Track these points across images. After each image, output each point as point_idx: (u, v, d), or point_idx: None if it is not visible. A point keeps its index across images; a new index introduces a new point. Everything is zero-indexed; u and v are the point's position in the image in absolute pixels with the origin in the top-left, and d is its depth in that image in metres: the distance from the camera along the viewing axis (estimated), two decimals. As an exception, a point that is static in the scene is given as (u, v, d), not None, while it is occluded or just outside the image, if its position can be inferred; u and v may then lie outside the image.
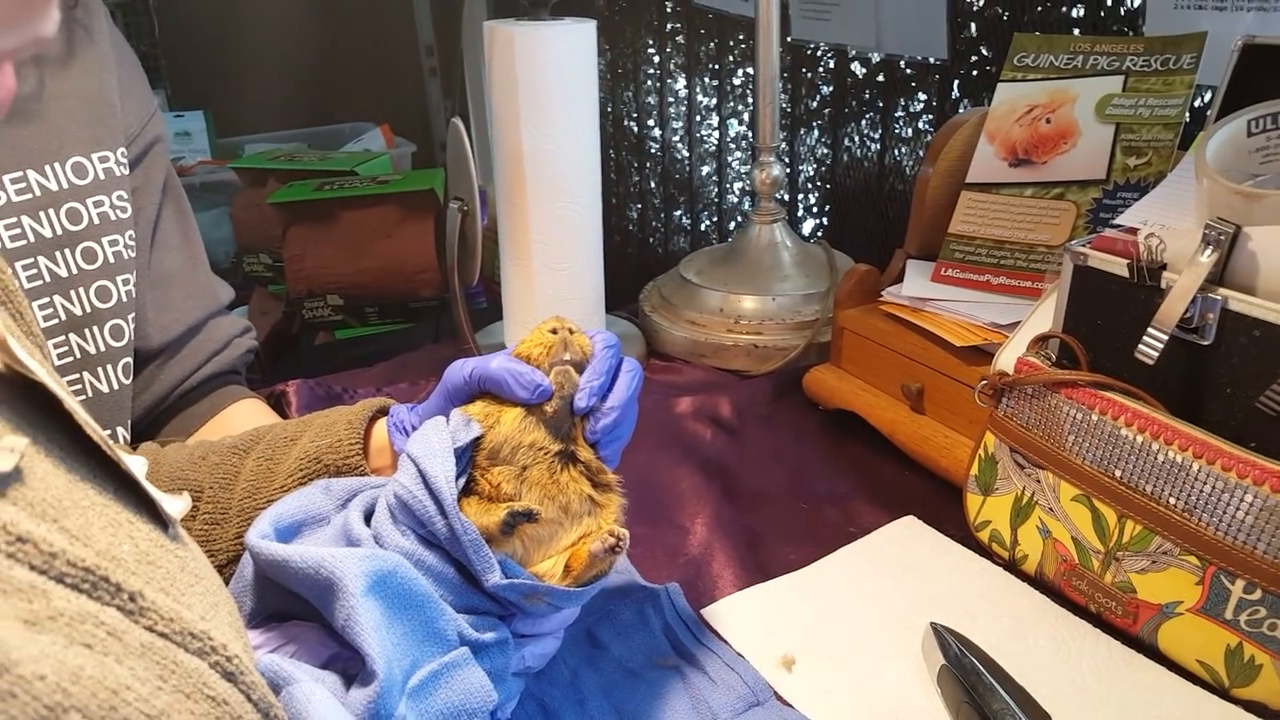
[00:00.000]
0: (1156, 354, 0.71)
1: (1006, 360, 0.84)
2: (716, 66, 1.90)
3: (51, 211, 0.82)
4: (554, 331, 0.70)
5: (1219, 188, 0.69)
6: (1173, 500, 0.70)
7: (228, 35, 2.44)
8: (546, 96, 1.05)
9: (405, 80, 2.72)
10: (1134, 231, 0.76)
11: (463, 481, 0.66)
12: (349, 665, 0.59)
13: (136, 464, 0.47)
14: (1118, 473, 0.74)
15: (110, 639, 0.37)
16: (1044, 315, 0.84)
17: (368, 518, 0.66)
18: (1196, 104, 1.00)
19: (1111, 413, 0.74)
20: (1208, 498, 0.68)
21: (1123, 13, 1.14)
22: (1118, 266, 0.75)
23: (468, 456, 0.67)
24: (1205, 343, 0.71)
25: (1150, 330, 0.71)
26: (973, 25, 1.33)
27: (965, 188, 1.03)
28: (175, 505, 0.48)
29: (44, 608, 0.35)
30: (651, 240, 2.27)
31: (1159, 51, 0.95)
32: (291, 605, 0.62)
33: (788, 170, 1.73)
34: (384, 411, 0.77)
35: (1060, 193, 0.97)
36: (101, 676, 0.34)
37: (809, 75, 1.66)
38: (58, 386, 0.43)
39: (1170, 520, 0.70)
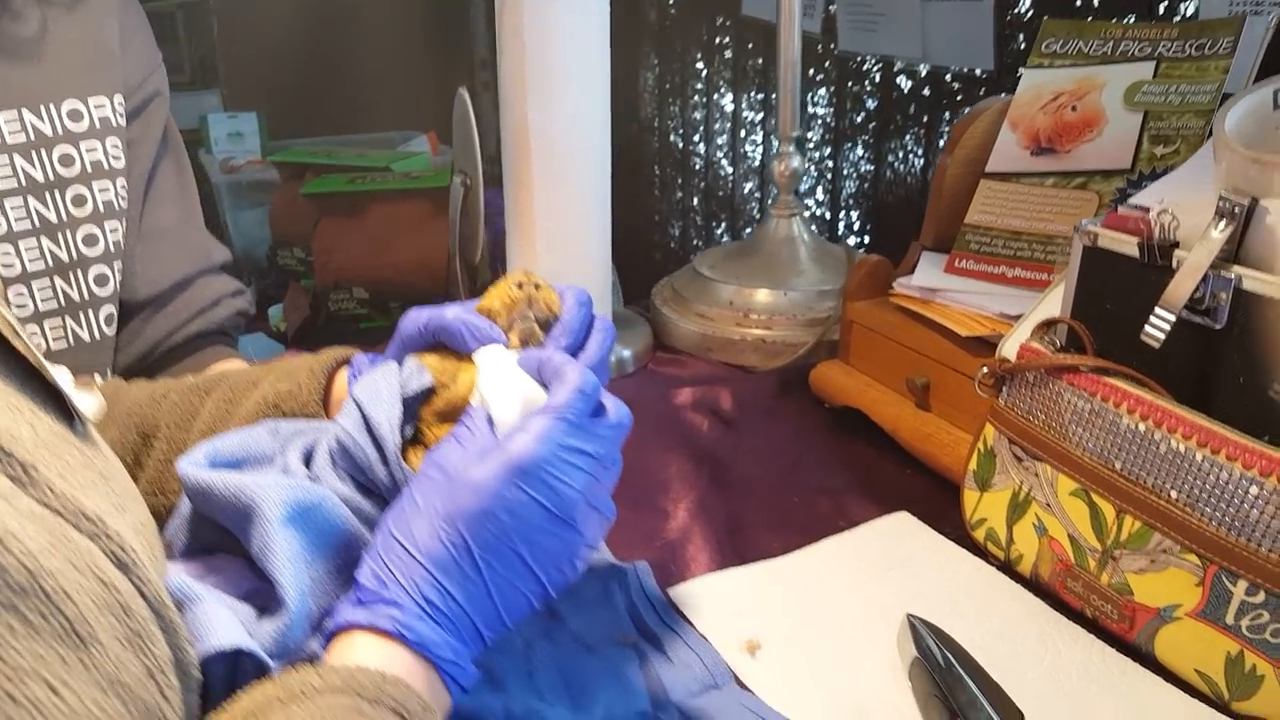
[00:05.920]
0: (1163, 336, 0.66)
1: (1010, 349, 0.79)
2: (763, 80, 1.88)
3: (44, 152, 0.81)
4: (520, 286, 0.67)
5: (1235, 156, 0.64)
6: (1174, 493, 0.65)
7: (284, 42, 2.47)
8: (555, 68, 1.02)
9: (458, 92, 2.73)
10: (1148, 210, 0.71)
11: (409, 430, 0.64)
12: (269, 601, 0.56)
13: (59, 372, 0.45)
14: (1117, 464, 0.69)
15: None
16: (1053, 302, 0.79)
17: (310, 460, 0.63)
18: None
19: (1114, 399, 0.69)
20: (1211, 490, 0.63)
21: (1175, 21, 1.09)
22: (1128, 246, 0.70)
23: (418, 405, 0.65)
24: (1217, 326, 0.66)
25: (1157, 311, 0.66)
26: (1020, 36, 1.29)
27: (984, 177, 0.98)
28: (87, 402, 0.46)
29: None
30: (692, 257, 2.23)
31: (1194, 36, 0.90)
32: (223, 542, 0.60)
33: (830, 187, 1.70)
34: (347, 361, 0.74)
35: (1083, 182, 0.92)
36: None
37: (855, 89, 1.63)
38: None
39: (1170, 515, 0.65)
